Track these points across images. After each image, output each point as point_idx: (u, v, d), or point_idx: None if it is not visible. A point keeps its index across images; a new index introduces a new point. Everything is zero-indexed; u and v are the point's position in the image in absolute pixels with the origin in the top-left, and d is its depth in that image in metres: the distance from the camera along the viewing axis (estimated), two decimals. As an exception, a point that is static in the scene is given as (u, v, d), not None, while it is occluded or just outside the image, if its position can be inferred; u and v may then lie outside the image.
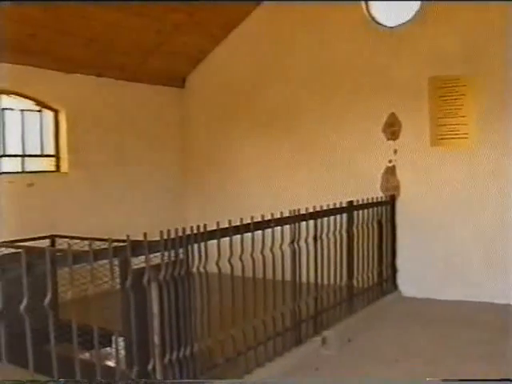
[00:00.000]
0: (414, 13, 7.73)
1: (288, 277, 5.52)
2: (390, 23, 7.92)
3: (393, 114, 8.06)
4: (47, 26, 7.42)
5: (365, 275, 7.18)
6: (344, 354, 5.76)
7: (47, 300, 3.35)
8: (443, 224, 7.75)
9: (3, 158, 7.92)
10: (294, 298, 5.65)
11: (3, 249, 5.34)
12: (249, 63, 9.50)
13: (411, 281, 7.93)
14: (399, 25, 7.85)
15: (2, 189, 7.60)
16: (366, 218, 7.17)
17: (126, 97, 9.27)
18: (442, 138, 7.71)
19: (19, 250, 4.12)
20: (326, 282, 6.22)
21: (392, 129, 8.07)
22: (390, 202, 7.91)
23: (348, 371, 5.31)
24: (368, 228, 7.24)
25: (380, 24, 7.98)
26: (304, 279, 5.79)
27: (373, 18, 8.05)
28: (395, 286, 7.99)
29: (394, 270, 8.00)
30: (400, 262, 8.01)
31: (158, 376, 4.14)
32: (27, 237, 5.83)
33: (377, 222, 7.51)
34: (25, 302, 3.21)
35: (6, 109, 8.01)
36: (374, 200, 7.38)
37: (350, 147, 8.40)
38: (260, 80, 9.36)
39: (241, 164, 9.70)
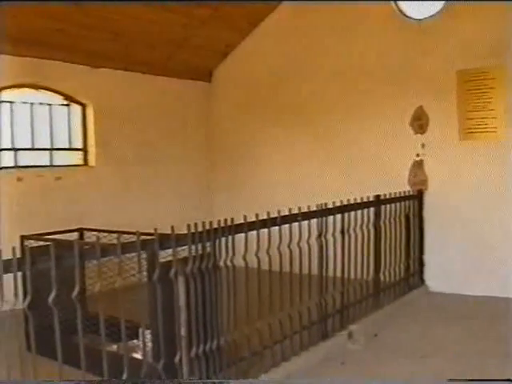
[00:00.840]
0: (442, 5, 7.64)
1: (314, 271, 5.51)
2: (417, 16, 7.84)
3: (420, 108, 8.00)
4: (75, 20, 7.47)
5: (392, 270, 7.14)
6: (370, 349, 5.74)
7: (75, 292, 3.38)
8: (471, 218, 7.68)
9: (30, 151, 8.01)
10: (320, 292, 5.64)
11: (32, 241, 5.40)
12: (275, 57, 9.48)
13: (438, 275, 7.87)
14: (427, 18, 7.76)
15: (32, 182, 7.70)
16: (393, 212, 7.13)
17: (152, 91, 9.30)
18: (470, 132, 7.64)
19: (48, 243, 4.17)
20: (352, 276, 6.20)
21: (419, 122, 8.01)
22: (418, 197, 7.85)
23: (374, 366, 5.29)
24: (395, 222, 7.20)
25: (408, 17, 7.89)
26: (331, 273, 5.77)
27: (401, 11, 7.97)
28: (422, 281, 7.94)
29: (421, 265, 7.95)
30: (427, 256, 7.96)
31: (185, 369, 4.16)
32: (55, 230, 5.87)
33: (404, 216, 7.47)
34: (53, 294, 3.24)
35: (35, 103, 8.09)
36: (402, 194, 7.34)
37: (377, 141, 8.36)
38: (286, 74, 9.34)
39: (267, 158, 9.69)
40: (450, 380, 4.81)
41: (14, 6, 6.61)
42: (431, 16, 7.73)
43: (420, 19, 7.67)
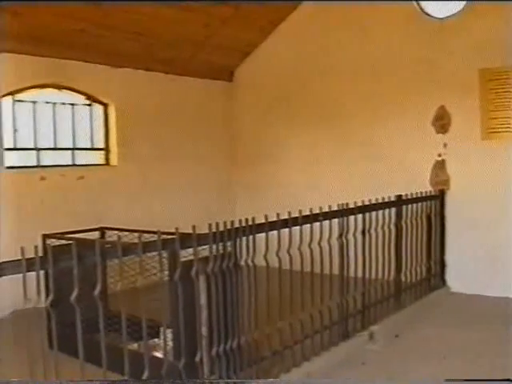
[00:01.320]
0: (463, 4, 7.59)
1: (336, 271, 5.50)
2: (439, 14, 7.79)
3: (442, 107, 7.96)
4: (96, 21, 7.51)
5: (413, 270, 7.11)
6: (391, 350, 5.72)
7: (97, 291, 3.39)
8: (494, 219, 7.62)
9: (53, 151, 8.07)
10: (341, 292, 5.64)
11: (54, 240, 5.43)
12: (297, 56, 9.47)
13: (460, 276, 7.82)
14: (449, 16, 7.71)
15: (55, 181, 7.76)
16: (414, 212, 7.10)
17: (174, 91, 9.33)
18: (492, 132, 7.58)
19: (70, 242, 4.19)
20: (373, 276, 6.18)
21: (441, 122, 7.96)
22: (440, 197, 7.81)
23: (394, 367, 5.27)
24: (417, 222, 7.16)
25: (429, 15, 7.85)
26: (352, 273, 5.75)
27: (422, 10, 7.93)
28: (444, 282, 7.90)
29: (443, 265, 7.90)
30: (449, 257, 7.91)
31: (205, 368, 4.17)
32: (77, 229, 5.90)
33: (426, 216, 7.43)
34: (75, 292, 3.25)
35: (57, 103, 8.14)
36: (423, 194, 7.30)
37: (399, 141, 8.32)
38: (307, 73, 9.33)
39: (288, 157, 9.69)
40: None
41: (27, 5, 6.67)
42: (453, 14, 7.68)
43: (442, 18, 7.62)
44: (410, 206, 6.96)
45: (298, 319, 5.01)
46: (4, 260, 2.93)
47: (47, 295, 3.16)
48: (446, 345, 5.79)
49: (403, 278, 6.90)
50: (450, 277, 7.91)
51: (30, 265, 3.01)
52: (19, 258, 2.96)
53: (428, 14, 7.73)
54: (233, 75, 10.39)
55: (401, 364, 5.33)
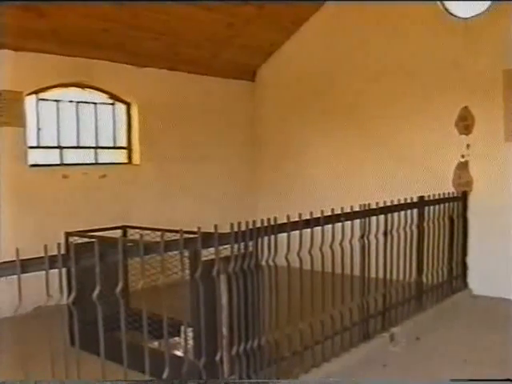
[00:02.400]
0: (488, 4, 7.54)
1: (357, 272, 5.49)
2: (463, 14, 7.74)
3: (466, 108, 7.90)
4: (120, 20, 7.54)
5: (434, 272, 7.07)
6: (412, 352, 5.69)
7: (118, 289, 3.41)
8: (517, 221, 7.58)
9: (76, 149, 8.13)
10: (362, 293, 5.62)
11: (76, 238, 5.47)
12: (320, 57, 9.45)
13: (482, 279, 7.76)
14: (473, 16, 7.66)
15: (77, 179, 7.83)
16: (436, 213, 7.06)
17: (196, 90, 9.35)
18: (516, 133, 7.53)
19: (92, 240, 4.21)
20: (394, 277, 6.16)
21: (465, 123, 7.91)
22: (462, 198, 7.75)
23: (415, 369, 5.25)
24: (439, 224, 7.12)
25: (454, 15, 7.81)
26: (373, 274, 5.73)
27: (447, 10, 7.89)
28: (465, 284, 7.85)
29: (465, 268, 7.85)
30: (471, 259, 7.85)
31: (225, 367, 4.17)
32: (99, 227, 5.93)
33: (448, 217, 7.39)
34: (97, 290, 3.27)
35: (81, 102, 8.20)
36: (446, 195, 7.26)
37: (422, 142, 8.28)
38: (331, 74, 9.31)
39: (311, 157, 9.68)
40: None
41: (52, 6, 6.72)
42: (477, 15, 7.63)
43: (466, 18, 7.57)
44: (432, 207, 6.93)
45: (318, 320, 5.00)
46: (27, 257, 2.95)
47: (69, 292, 3.18)
48: (467, 348, 5.75)
49: (425, 280, 6.87)
50: (472, 279, 7.86)
51: (52, 262, 3.03)
52: (42, 255, 2.99)
53: (452, 14, 7.69)
54: (255, 75, 10.40)
55: (422, 366, 5.31)
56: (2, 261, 2.89)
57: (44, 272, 3.00)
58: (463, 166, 7.96)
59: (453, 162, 8.04)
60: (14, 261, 2.89)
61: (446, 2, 7.35)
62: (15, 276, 2.90)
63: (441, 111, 8.09)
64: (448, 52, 7.98)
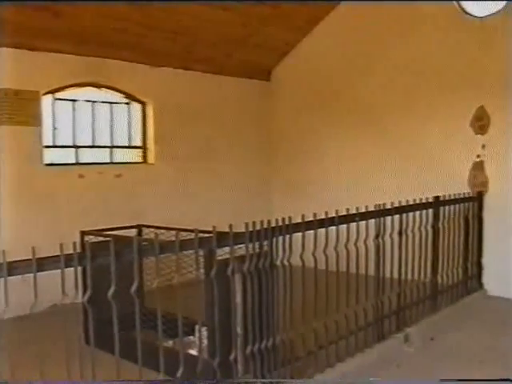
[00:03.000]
0: (504, 3, 7.49)
1: (371, 272, 5.48)
2: (479, 13, 7.70)
3: (481, 108, 7.86)
4: (136, 20, 7.56)
5: (449, 272, 7.04)
6: (426, 353, 5.68)
7: (134, 288, 3.42)
8: (533, 222, 7.53)
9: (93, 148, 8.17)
10: (376, 293, 5.60)
11: (92, 237, 5.50)
12: (335, 56, 9.43)
13: (497, 280, 7.72)
14: (489, 15, 7.62)
15: (93, 179, 7.87)
16: (452, 213, 7.03)
17: (211, 90, 9.36)
18: (533, 133, 7.49)
19: (107, 239, 4.23)
20: (409, 277, 6.14)
21: (480, 123, 7.87)
22: (478, 199, 7.71)
23: (430, 370, 5.23)
24: (454, 224, 7.09)
25: (469, 14, 7.77)
26: (387, 274, 5.72)
27: (462, 9, 7.85)
28: (480, 285, 7.81)
29: (480, 268, 7.81)
30: (486, 259, 7.82)
31: (240, 367, 4.18)
32: (115, 226, 5.96)
33: (463, 218, 7.35)
34: (112, 288, 3.29)
35: (96, 101, 8.23)
36: (461, 196, 7.23)
37: (437, 141, 8.25)
38: (346, 73, 9.30)
39: (326, 157, 9.67)
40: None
41: (68, 6, 6.75)
42: (493, 14, 7.58)
43: (482, 17, 7.52)
44: (447, 207, 6.90)
45: (333, 319, 4.99)
46: (43, 256, 2.97)
47: (84, 291, 3.20)
48: (482, 349, 5.72)
49: (439, 280, 6.84)
50: (487, 280, 7.82)
51: (68, 261, 3.04)
52: (58, 254, 3.00)
53: (468, 13, 7.65)
54: (270, 74, 10.40)
55: (436, 367, 5.29)
56: (19, 259, 2.91)
57: (60, 270, 3.02)
58: (479, 166, 7.92)
59: (468, 162, 8.00)
60: (30, 259, 2.91)
61: (462, 2, 7.32)
62: (31, 274, 2.92)
63: (456, 111, 8.05)
64: (464, 51, 7.94)
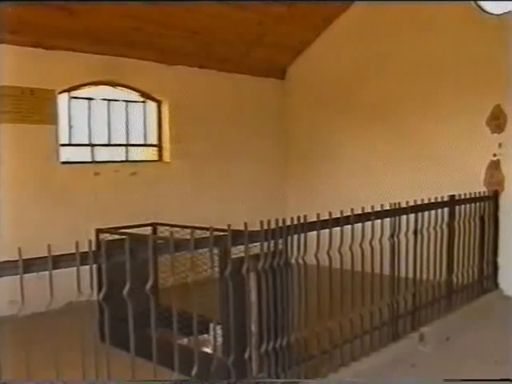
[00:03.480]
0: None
1: (386, 271, 5.46)
2: (497, 11, 7.64)
3: (498, 106, 7.81)
4: (151, 19, 7.58)
5: (465, 272, 7.01)
6: (441, 353, 5.65)
7: (149, 285, 3.43)
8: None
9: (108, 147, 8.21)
10: (391, 293, 5.59)
11: (107, 235, 5.51)
12: (350, 54, 9.40)
13: (513, 279, 7.69)
14: (506, 12, 7.56)
15: (108, 177, 7.91)
16: (467, 213, 6.99)
17: (227, 88, 9.36)
18: (549, 132, 7.44)
19: (123, 237, 4.25)
20: (424, 277, 6.11)
21: (497, 121, 7.82)
22: (494, 198, 7.67)
23: (445, 370, 5.20)
24: (469, 223, 7.06)
25: (487, 12, 7.72)
26: (402, 274, 5.70)
27: (479, 6, 7.80)
28: (496, 285, 7.76)
29: (496, 268, 7.76)
30: (502, 259, 7.75)
31: (254, 365, 4.18)
32: (130, 224, 5.98)
33: (479, 217, 7.31)
34: (127, 286, 3.30)
35: (112, 100, 8.26)
36: (477, 195, 7.19)
37: (453, 140, 8.20)
38: (362, 71, 9.27)
39: (341, 155, 9.65)
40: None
41: (84, 4, 6.77)
42: (510, 12, 7.51)
43: (499, 14, 7.46)
44: (463, 206, 6.86)
45: (347, 319, 4.99)
46: (58, 253, 2.98)
47: (100, 289, 3.21)
48: (498, 349, 5.68)
49: (455, 280, 6.81)
50: (503, 280, 7.76)
51: (83, 259, 3.06)
52: (73, 251, 3.02)
53: (485, 11, 7.58)
54: (285, 73, 10.39)
55: (451, 367, 5.27)
56: (35, 257, 2.92)
57: (75, 268, 3.03)
58: (495, 165, 7.88)
59: (484, 160, 7.96)
60: (45, 257, 2.93)
61: (480, 2, 7.26)
62: (47, 272, 2.94)
63: (472, 109, 8.00)
64: (480, 49, 7.88)
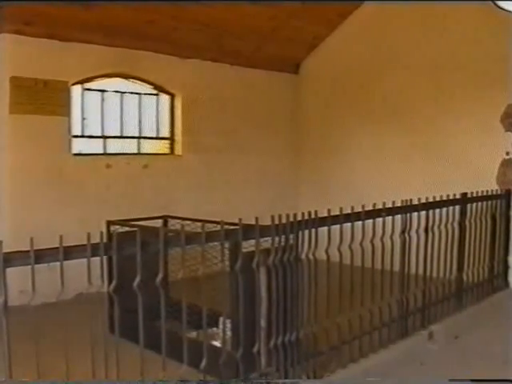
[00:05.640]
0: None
1: (397, 268, 5.45)
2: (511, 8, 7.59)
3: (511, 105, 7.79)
4: (165, 12, 7.58)
5: (475, 270, 6.98)
6: (450, 351, 5.64)
7: (159, 278, 3.44)
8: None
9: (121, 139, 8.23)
10: (401, 290, 5.58)
11: (118, 227, 5.53)
12: (364, 50, 9.39)
13: (524, 279, 7.67)
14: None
15: (120, 169, 7.92)
16: (479, 211, 6.96)
17: (240, 82, 9.36)
18: None
19: (134, 229, 4.25)
20: (434, 274, 6.10)
21: (510, 120, 7.79)
22: (506, 196, 7.63)
23: (453, 369, 5.18)
24: (481, 222, 7.03)
25: (503, 9, 7.67)
26: (413, 271, 5.69)
27: (496, 4, 7.75)
28: (506, 284, 7.73)
29: (506, 267, 7.73)
30: (513, 258, 7.76)
31: (263, 359, 4.18)
32: (141, 216, 5.99)
33: (490, 215, 7.28)
34: (138, 278, 3.30)
35: (125, 92, 8.27)
36: (489, 193, 7.16)
37: (466, 138, 8.18)
38: (375, 67, 9.25)
39: (353, 151, 9.65)
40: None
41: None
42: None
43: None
44: (474, 204, 6.83)
45: (357, 315, 4.98)
46: (70, 245, 2.99)
47: (110, 280, 3.22)
48: (508, 349, 5.66)
49: (465, 278, 6.79)
50: (514, 279, 7.76)
51: (94, 250, 3.07)
52: (84, 243, 3.03)
53: (504, 9, 7.51)
54: (299, 68, 10.38)
55: (460, 366, 5.25)
56: (46, 247, 2.93)
57: (86, 259, 3.04)
58: (508, 164, 7.85)
59: (497, 159, 7.93)
60: (56, 248, 2.94)
61: (498, 2, 7.19)
62: (58, 262, 2.95)
63: (486, 107, 7.98)
64: (495, 46, 7.83)
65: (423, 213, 5.77)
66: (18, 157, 7.05)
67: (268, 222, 4.09)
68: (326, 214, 4.52)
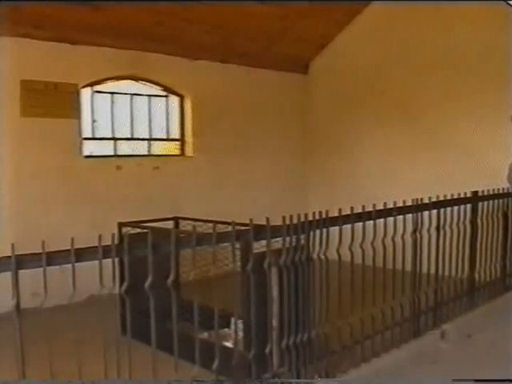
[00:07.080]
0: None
1: (408, 267, 5.44)
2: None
3: (522, 104, 7.76)
4: (173, 13, 7.60)
5: (487, 269, 6.95)
6: (463, 350, 5.61)
7: (170, 279, 3.44)
8: None
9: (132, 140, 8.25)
10: (413, 289, 5.56)
11: (129, 228, 5.54)
12: (372, 49, 9.38)
13: (536, 277, 7.62)
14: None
15: (131, 171, 7.93)
16: (490, 209, 6.93)
17: (249, 83, 9.37)
18: None
19: (145, 231, 4.26)
20: (446, 273, 6.08)
21: (521, 118, 7.76)
22: (517, 195, 7.62)
23: (466, 368, 5.15)
24: (493, 220, 7.00)
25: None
26: (424, 270, 5.67)
27: (506, 2, 7.73)
28: (519, 283, 7.71)
29: (519, 266, 7.72)
30: (525, 257, 7.71)
31: (275, 360, 4.18)
32: (152, 218, 6.00)
33: (502, 214, 7.25)
34: (149, 279, 3.31)
35: (135, 94, 8.29)
36: (500, 191, 7.13)
37: (476, 136, 8.15)
38: (384, 66, 9.24)
39: (363, 151, 9.64)
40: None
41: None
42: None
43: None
44: (486, 202, 6.81)
45: (369, 314, 4.97)
46: (81, 247, 3.00)
47: (122, 282, 3.23)
48: (519, 348, 5.66)
49: (477, 277, 6.76)
50: (526, 277, 7.71)
51: (106, 252, 3.07)
52: (96, 245, 3.03)
53: (509, 4, 7.48)
54: (308, 68, 10.37)
55: (473, 365, 5.22)
56: (57, 249, 2.94)
57: (98, 261, 3.05)
58: (519, 162, 7.81)
59: (508, 157, 7.88)
60: (68, 250, 2.95)
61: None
62: (70, 264, 2.95)
63: (496, 105, 7.94)
64: (504, 44, 7.81)
65: (434, 211, 5.75)
66: (29, 159, 7.08)
67: (278, 222, 4.08)
68: (336, 214, 4.51)
